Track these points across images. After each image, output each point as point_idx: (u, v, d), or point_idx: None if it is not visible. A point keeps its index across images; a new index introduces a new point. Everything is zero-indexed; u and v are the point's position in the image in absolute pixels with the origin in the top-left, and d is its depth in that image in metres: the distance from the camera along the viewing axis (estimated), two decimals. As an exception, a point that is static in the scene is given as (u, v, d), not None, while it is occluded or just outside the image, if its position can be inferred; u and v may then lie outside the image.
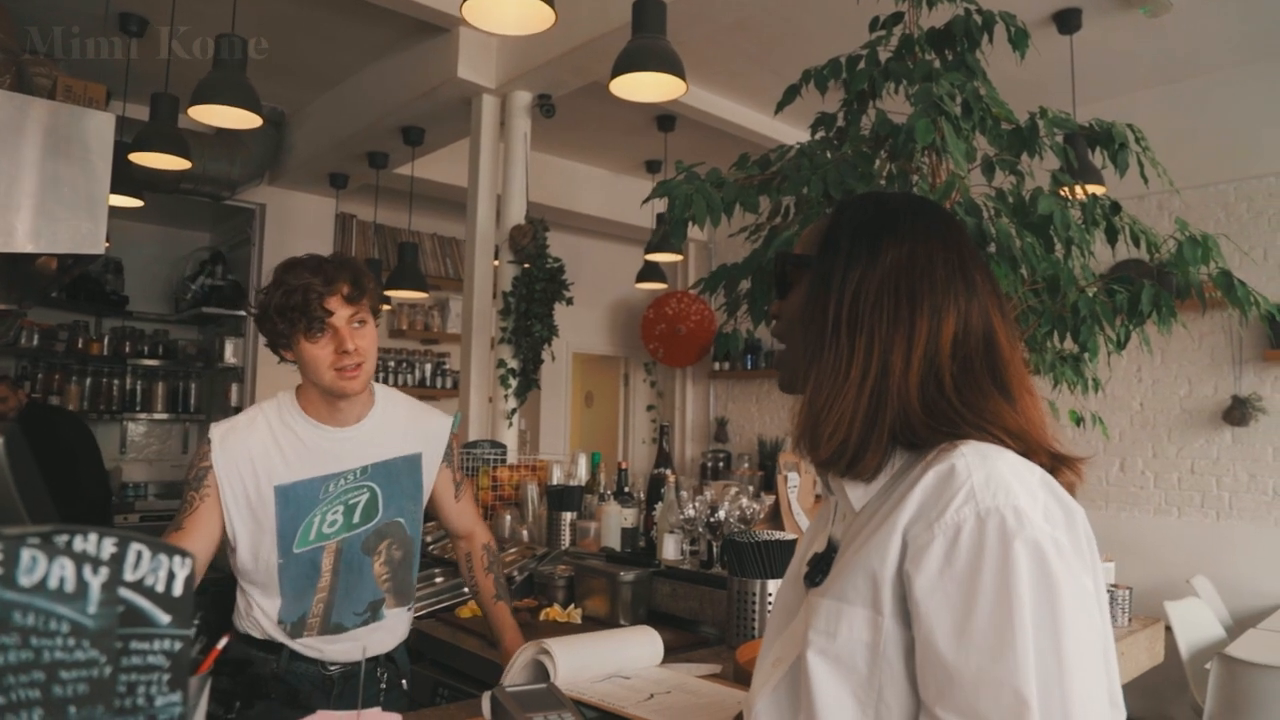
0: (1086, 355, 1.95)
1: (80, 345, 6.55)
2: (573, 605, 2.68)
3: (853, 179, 1.88)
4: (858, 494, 1.02)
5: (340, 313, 1.75)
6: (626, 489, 3.27)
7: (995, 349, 0.99)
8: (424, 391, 7.52)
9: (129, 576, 0.76)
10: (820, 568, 1.04)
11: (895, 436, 0.98)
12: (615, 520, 3.06)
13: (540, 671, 1.49)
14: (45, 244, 3.55)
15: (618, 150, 6.53)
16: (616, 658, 1.57)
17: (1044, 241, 2.03)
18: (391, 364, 7.38)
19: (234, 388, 6.67)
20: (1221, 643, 4.03)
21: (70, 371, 6.56)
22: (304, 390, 1.89)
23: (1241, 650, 3.42)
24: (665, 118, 5.72)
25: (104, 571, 0.70)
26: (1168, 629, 3.62)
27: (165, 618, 0.77)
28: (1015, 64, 4.30)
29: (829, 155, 2.14)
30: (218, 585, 1.97)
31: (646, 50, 2.79)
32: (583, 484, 3.45)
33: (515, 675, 1.49)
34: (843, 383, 0.98)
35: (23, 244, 3.35)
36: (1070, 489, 1.04)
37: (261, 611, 1.83)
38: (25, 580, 0.68)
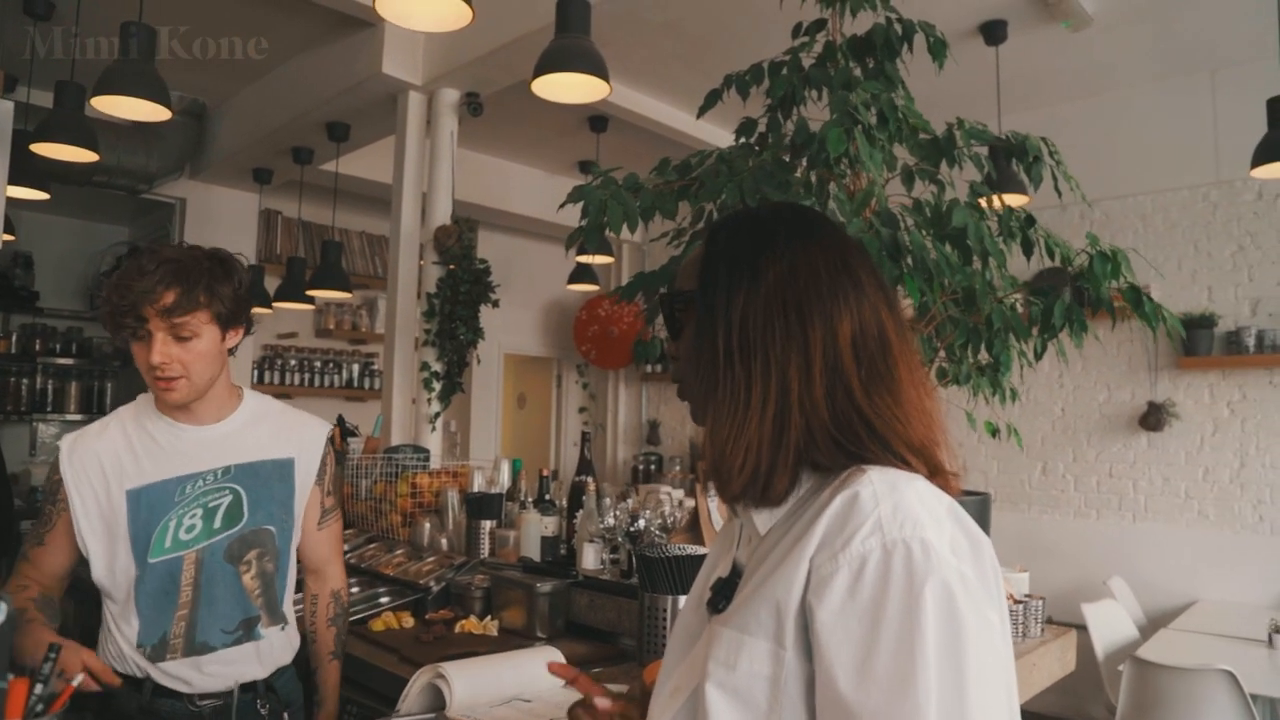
0: (1002, 366, 1.96)
1: (-14, 343, 6.27)
2: (490, 617, 2.63)
3: (769, 187, 1.86)
4: (763, 518, 0.98)
5: (156, 322, 1.62)
6: (548, 496, 3.22)
7: (888, 347, 0.97)
8: (351, 392, 7.37)
9: (-65, 617, 0.68)
10: (724, 593, 1.00)
11: (801, 457, 0.95)
12: (535, 529, 3.01)
13: (437, 695, 1.43)
14: (-64, 238, 3.36)
15: (550, 150, 6.47)
16: (517, 679, 1.53)
17: (963, 253, 2.04)
18: (318, 364, 7.21)
19: (151, 388, 6.44)
20: (1135, 643, 4.13)
21: (-25, 370, 6.27)
22: None
23: (1152, 651, 3.50)
24: (597, 119, 5.68)
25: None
26: (1082, 631, 3.71)
27: (-22, 661, 0.70)
28: (943, 74, 4.36)
29: (750, 162, 2.12)
30: (81, 606, 1.86)
31: (569, 50, 2.75)
32: (504, 491, 3.39)
33: (411, 701, 1.43)
34: (744, 412, 0.95)
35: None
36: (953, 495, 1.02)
37: (121, 637, 1.70)
38: None
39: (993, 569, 0.92)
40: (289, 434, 1.88)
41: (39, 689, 1.04)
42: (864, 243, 1.72)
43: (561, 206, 2.22)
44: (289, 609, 1.88)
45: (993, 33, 4.32)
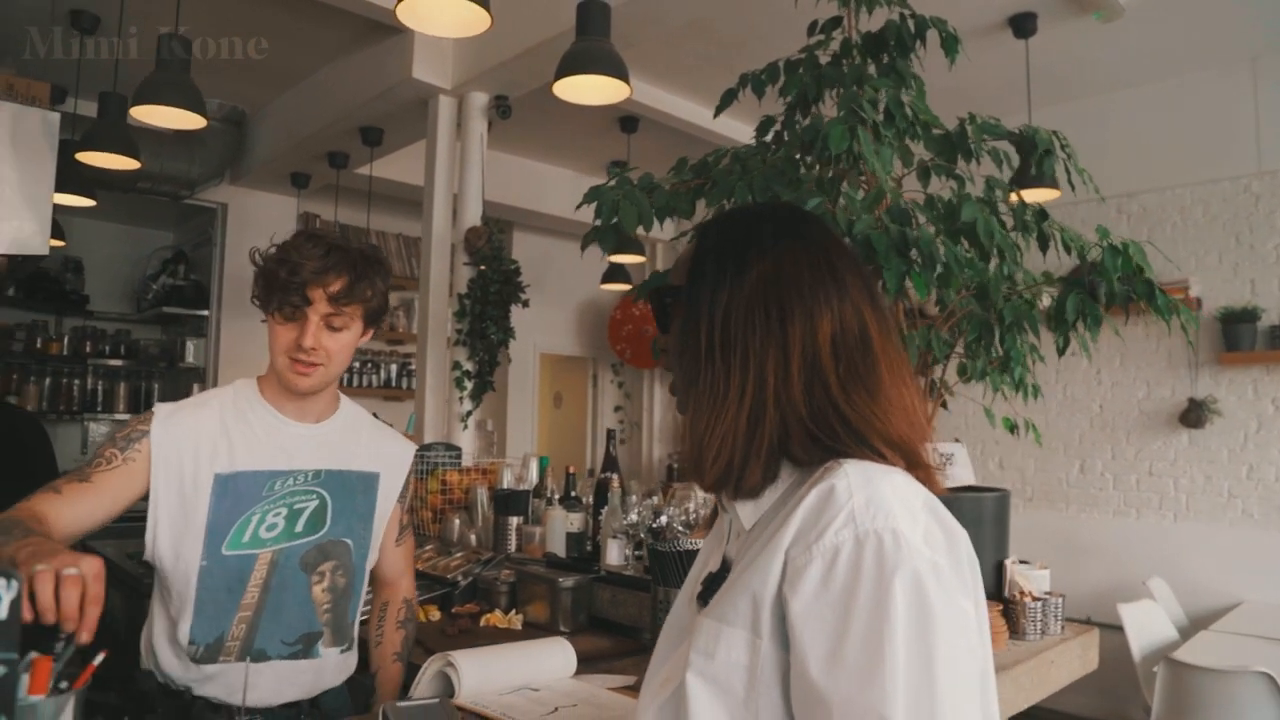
0: (1013, 361, 1.95)
1: (39, 345, 6.47)
2: (514, 611, 2.67)
3: (780, 185, 1.87)
4: (747, 512, 1.01)
5: (319, 306, 1.60)
6: (574, 493, 3.26)
7: (869, 345, 0.98)
8: (389, 392, 7.49)
9: (-50, 595, 0.74)
10: (712, 588, 1.03)
11: (778, 451, 0.97)
12: (560, 525, 3.05)
13: (447, 683, 1.48)
14: (-14, 244, 3.50)
15: (582, 152, 6.51)
16: (526, 669, 1.56)
17: (979, 249, 2.04)
18: (356, 364, 7.33)
19: (195, 388, 6.60)
20: (1174, 644, 4.06)
21: (29, 371, 6.47)
22: (267, 377, 1.73)
23: (1189, 653, 3.45)
24: (628, 119, 5.71)
25: (-86, 591, 0.68)
26: (1113, 631, 3.65)
27: (-11, 638, 0.75)
28: (973, 68, 4.32)
29: (764, 161, 2.14)
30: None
31: (589, 53, 2.79)
32: (531, 488, 3.43)
33: (423, 688, 1.47)
34: (721, 404, 0.97)
35: (-51, 245, 3.30)
36: (937, 492, 1.04)
37: (168, 633, 1.61)
38: None
39: (969, 560, 0.94)
40: (378, 448, 1.84)
41: (58, 667, 1.09)
42: (872, 239, 1.73)
43: (578, 207, 2.25)
44: (356, 630, 1.82)
45: (1022, 25, 4.27)
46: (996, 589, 2.17)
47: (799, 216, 1.08)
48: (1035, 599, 2.11)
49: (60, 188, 3.89)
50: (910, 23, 2.10)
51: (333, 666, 1.75)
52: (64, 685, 1.07)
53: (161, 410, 1.65)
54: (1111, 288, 1.87)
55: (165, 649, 1.61)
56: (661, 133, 5.60)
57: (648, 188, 2.12)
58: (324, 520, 1.71)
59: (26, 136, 3.36)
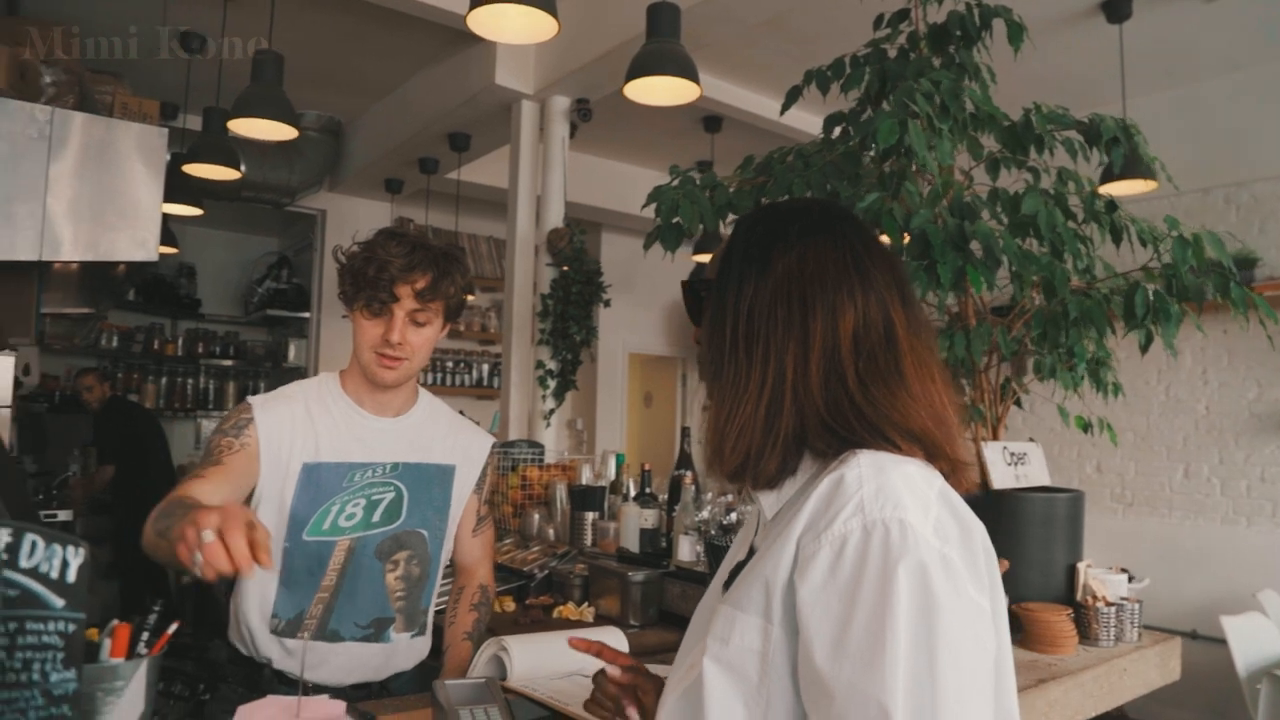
0: (1076, 357, 1.90)
1: (156, 346, 6.88)
2: (586, 604, 2.72)
3: (839, 181, 1.87)
4: (770, 501, 1.02)
5: (405, 302, 1.66)
6: (649, 490, 3.29)
7: (895, 340, 0.98)
8: (481, 391, 7.67)
9: (24, 564, 0.82)
10: (736, 576, 1.05)
11: (796, 443, 0.99)
12: (634, 521, 3.09)
13: (502, 667, 1.53)
14: (103, 253, 3.76)
15: (667, 152, 6.55)
16: (578, 656, 1.60)
17: (1050, 243, 2.00)
18: (449, 364, 7.55)
19: (298, 388, 6.91)
20: (1280, 662, 3.85)
21: (147, 371, 6.89)
22: (349, 372, 1.80)
23: (1295, 668, 3.27)
24: (711, 119, 5.72)
25: (-10, 557, 0.77)
26: (1219, 644, 3.48)
27: (59, 601, 0.83)
28: (1064, 56, 4.17)
29: (828, 157, 2.13)
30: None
31: (658, 54, 2.82)
32: (608, 485, 3.49)
33: (478, 670, 1.53)
34: (742, 396, 0.99)
35: (72, 253, 3.56)
36: (966, 489, 1.03)
37: (255, 606, 1.68)
38: (-85, 564, 0.75)
39: (985, 553, 0.93)
40: (455, 441, 1.88)
41: (145, 636, 1.19)
42: (928, 233, 1.71)
43: (643, 207, 2.28)
44: (430, 617, 1.86)
45: (1115, 10, 4.12)
46: (1068, 592, 2.11)
47: (832, 213, 1.08)
48: (1109, 604, 2.04)
49: (170, 198, 4.14)
50: (975, 13, 2.06)
51: (404, 651, 1.80)
52: (142, 650, 1.16)
53: (256, 401, 1.73)
54: (1182, 280, 1.80)
55: (255, 620, 1.69)
56: (745, 131, 5.59)
57: (710, 186, 2.13)
58: (400, 512, 1.77)
59: (137, 151, 3.59)
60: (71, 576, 0.84)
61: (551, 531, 3.48)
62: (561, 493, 3.61)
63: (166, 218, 4.57)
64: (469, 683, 1.29)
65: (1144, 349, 2.18)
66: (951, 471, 0.99)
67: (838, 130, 2.35)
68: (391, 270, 1.63)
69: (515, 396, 4.70)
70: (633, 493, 3.43)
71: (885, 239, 1.80)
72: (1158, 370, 5.27)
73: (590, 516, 3.28)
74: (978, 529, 0.94)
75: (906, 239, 1.74)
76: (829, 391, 0.96)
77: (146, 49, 4.56)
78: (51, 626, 0.83)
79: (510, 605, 2.78)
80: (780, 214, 1.08)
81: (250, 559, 1.06)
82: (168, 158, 3.84)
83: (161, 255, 4.52)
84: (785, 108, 2.40)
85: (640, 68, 2.87)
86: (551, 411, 4.58)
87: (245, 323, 7.41)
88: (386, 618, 1.76)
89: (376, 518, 1.74)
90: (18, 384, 4.13)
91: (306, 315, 6.89)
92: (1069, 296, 1.82)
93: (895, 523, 0.85)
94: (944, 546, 0.87)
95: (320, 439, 1.72)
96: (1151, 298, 1.80)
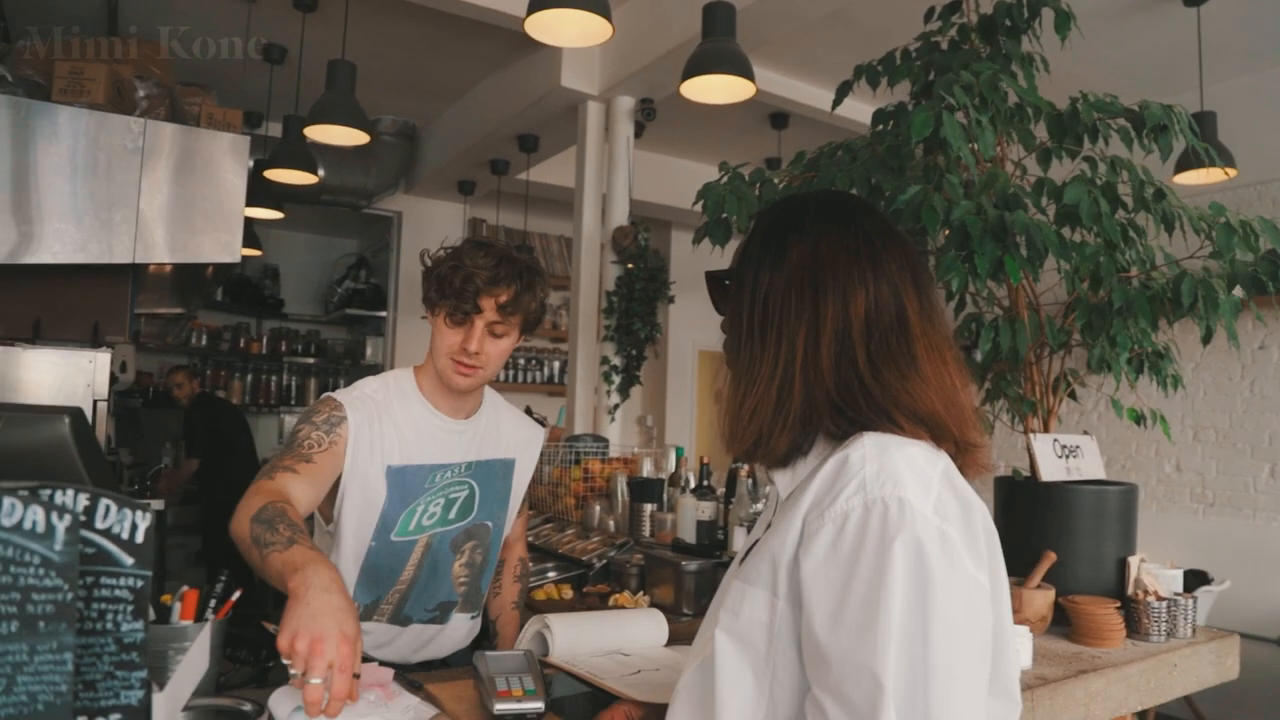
0: (1119, 347, 1.87)
1: (242, 345, 7.20)
2: (641, 592, 2.79)
3: (882, 173, 1.89)
4: (784, 481, 1.07)
5: (486, 314, 1.70)
6: (707, 483, 3.34)
7: (907, 325, 1.02)
8: (552, 388, 7.80)
9: (99, 525, 0.92)
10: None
11: (806, 423, 1.03)
12: (690, 513, 3.14)
13: (544, 644, 1.61)
14: (190, 254, 3.99)
15: (734, 150, 6.57)
16: (618, 636, 1.66)
17: (1101, 233, 1.99)
18: (521, 362, 7.70)
19: (375, 384, 7.16)
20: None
21: (234, 368, 7.21)
22: (424, 371, 1.83)
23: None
24: (778, 115, 5.74)
25: (68, 518, 0.87)
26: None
27: (129, 560, 0.93)
28: (1141, 42, 4.07)
29: (876, 150, 2.16)
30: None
31: (713, 54, 2.87)
32: (667, 477, 3.55)
33: (522, 645, 1.61)
34: (756, 378, 1.04)
35: (163, 256, 3.78)
36: (979, 472, 1.06)
37: None
38: (5, 521, 0.85)
39: (985, 531, 0.96)
40: (513, 435, 1.95)
41: (213, 603, 1.30)
42: (967, 224, 1.72)
43: (694, 204, 2.33)
44: (484, 599, 1.96)
45: (1191, -8, 4.00)
46: (1119, 587, 2.09)
47: (847, 204, 1.12)
48: (1160, 599, 2.02)
49: (253, 202, 4.36)
50: (1024, 3, 2.05)
51: (464, 631, 1.91)
52: (209, 616, 1.27)
53: (345, 399, 1.74)
54: (1232, 268, 1.77)
55: None
56: (812, 127, 5.59)
57: (758, 182, 2.17)
58: (472, 507, 1.86)
59: (223, 158, 3.79)
60: (140, 538, 0.94)
61: (612, 523, 3.56)
62: (622, 485, 3.68)
63: (250, 221, 4.80)
64: (508, 654, 1.36)
65: (1205, 340, 2.14)
66: (960, 453, 1.02)
67: (886, 125, 2.36)
68: (477, 282, 1.67)
69: (581, 392, 4.79)
70: (691, 485, 3.49)
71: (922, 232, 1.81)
72: (1241, 366, 5.09)
73: (649, 508, 3.35)
74: (979, 508, 0.97)
75: (946, 233, 1.75)
76: (839, 373, 1.00)
77: (231, 61, 4.79)
78: (122, 581, 0.93)
79: (569, 593, 2.86)
80: (797, 205, 1.12)
81: (342, 703, 1.07)
82: (250, 164, 4.04)
83: (246, 257, 4.74)
84: (836, 103, 2.42)
85: (696, 67, 2.92)
86: (616, 406, 4.66)
87: (325, 322, 7.69)
88: (451, 602, 1.86)
89: (453, 515, 1.83)
90: (114, 380, 4.39)
91: (384, 314, 7.12)
92: (1115, 286, 1.80)
93: (894, 500, 0.89)
94: (943, 524, 0.90)
95: (403, 441, 1.76)
96: (1198, 286, 1.78)
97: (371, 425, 1.72)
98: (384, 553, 1.76)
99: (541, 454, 4.21)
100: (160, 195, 3.85)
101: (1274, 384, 5.03)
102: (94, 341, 4.02)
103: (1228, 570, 4.83)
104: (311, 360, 7.53)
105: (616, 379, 4.67)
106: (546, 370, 7.87)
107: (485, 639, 2.05)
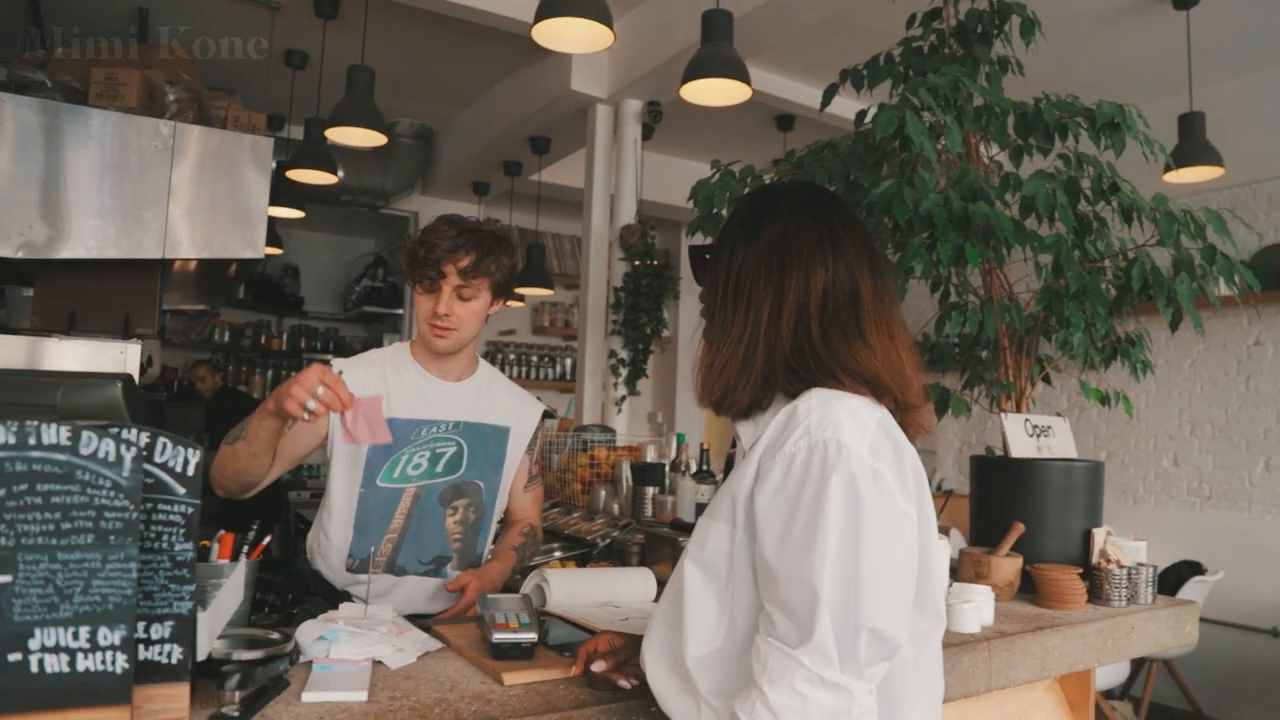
0: (1073, 328, 2.01)
1: (263, 341, 7.41)
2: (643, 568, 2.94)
3: (858, 170, 2.04)
4: (748, 433, 1.23)
5: (451, 279, 1.87)
6: (706, 467, 3.50)
7: (859, 301, 1.17)
8: (564, 385, 7.97)
9: (157, 459, 1.09)
10: None
11: (766, 381, 1.19)
12: (690, 495, 3.30)
13: (542, 597, 1.76)
14: (216, 250, 4.19)
15: (743, 153, 6.68)
16: (610, 590, 1.82)
17: (1080, 223, 2.13)
18: (534, 359, 7.88)
19: (392, 380, 7.35)
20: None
21: (255, 364, 7.42)
22: (417, 342, 2.03)
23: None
24: (784, 118, 5.88)
25: (134, 450, 1.04)
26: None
27: (181, 489, 1.10)
28: (1132, 45, 4.19)
29: (856, 149, 2.31)
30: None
31: (711, 58, 3.02)
32: (669, 462, 3.70)
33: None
34: (726, 340, 1.20)
35: (189, 252, 3.98)
36: (919, 432, 1.21)
37: (334, 549, 1.93)
38: (84, 450, 1.02)
39: (914, 472, 1.12)
40: (510, 405, 2.12)
41: (245, 549, 1.47)
42: (933, 214, 1.87)
43: (687, 200, 2.49)
44: (483, 561, 2.08)
45: (1181, -4, 4.13)
46: (1085, 557, 2.23)
47: (815, 194, 1.28)
48: (1122, 566, 2.16)
49: (276, 201, 4.55)
50: (993, 10, 2.20)
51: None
52: (243, 557, 1.44)
53: (338, 363, 1.97)
54: (1179, 254, 1.90)
55: (333, 559, 1.96)
56: (817, 129, 5.71)
57: (747, 178, 2.33)
58: (460, 464, 2.01)
59: (247, 159, 3.98)
60: (191, 471, 1.10)
61: (616, 507, 3.71)
62: (626, 470, 3.84)
63: (273, 220, 4.99)
64: (508, 596, 1.52)
65: (1173, 326, 2.28)
66: (899, 410, 1.18)
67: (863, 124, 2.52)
68: (439, 251, 1.87)
69: (589, 385, 4.96)
70: (692, 470, 3.64)
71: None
72: (1237, 362, 5.20)
73: (651, 491, 3.50)
74: (909, 451, 1.13)
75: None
76: (795, 339, 1.16)
77: (255, 66, 4.99)
78: (176, 508, 1.10)
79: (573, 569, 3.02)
80: (772, 193, 1.28)
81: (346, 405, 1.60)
82: (273, 165, 4.23)
83: (268, 256, 4.93)
84: (824, 104, 2.58)
85: (695, 71, 3.08)
86: (623, 398, 4.82)
87: (344, 319, 7.89)
88: (445, 556, 2.02)
89: (440, 468, 1.99)
90: (142, 372, 4.59)
91: (400, 312, 7.31)
92: (1073, 272, 1.94)
93: (834, 442, 1.05)
94: (876, 463, 1.06)
95: (393, 397, 1.95)
96: (1148, 273, 1.92)
97: (359, 385, 1.89)
98: (373, 500, 1.93)
99: (550, 442, 4.38)
100: (187, 194, 4.04)
101: (1269, 379, 5.13)
102: (125, 333, 4.21)
103: (1224, 563, 4.93)
104: (330, 357, 7.73)
105: (623, 372, 4.83)
106: (559, 367, 8.04)
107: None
